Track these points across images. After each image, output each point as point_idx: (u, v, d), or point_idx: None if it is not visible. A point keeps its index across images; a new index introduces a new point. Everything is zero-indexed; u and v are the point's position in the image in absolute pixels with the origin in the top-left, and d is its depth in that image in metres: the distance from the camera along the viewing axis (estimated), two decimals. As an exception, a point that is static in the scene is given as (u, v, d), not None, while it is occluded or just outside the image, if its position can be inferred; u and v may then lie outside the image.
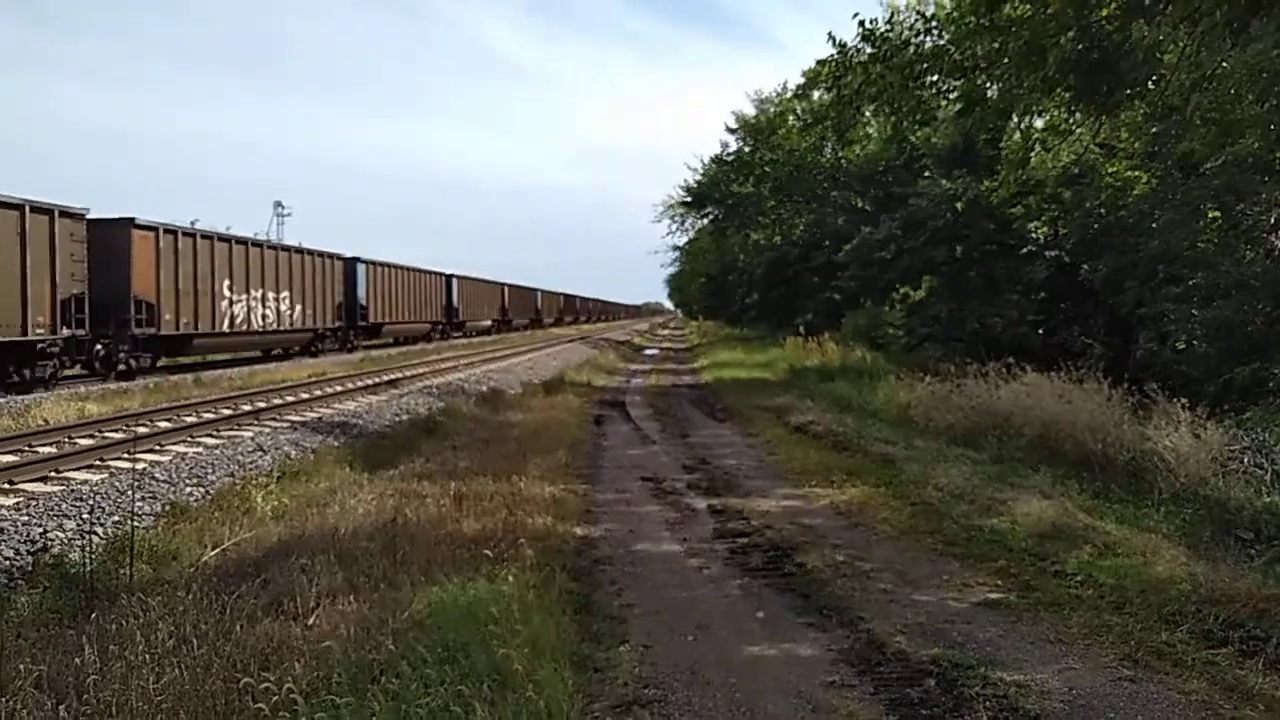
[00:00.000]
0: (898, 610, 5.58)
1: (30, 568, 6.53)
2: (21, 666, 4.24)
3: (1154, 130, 13.77)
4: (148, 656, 4.29)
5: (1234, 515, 7.31)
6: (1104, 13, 9.53)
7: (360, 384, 19.27)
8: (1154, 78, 11.01)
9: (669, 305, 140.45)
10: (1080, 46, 9.50)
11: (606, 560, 6.75)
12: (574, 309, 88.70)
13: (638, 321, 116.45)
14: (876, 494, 8.97)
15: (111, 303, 19.04)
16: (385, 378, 20.66)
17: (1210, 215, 13.72)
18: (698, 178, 34.65)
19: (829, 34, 12.47)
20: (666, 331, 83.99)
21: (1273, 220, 12.76)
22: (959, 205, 19.42)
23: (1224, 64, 10.13)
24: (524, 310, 64.10)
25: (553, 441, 12.03)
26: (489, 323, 53.46)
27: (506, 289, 58.93)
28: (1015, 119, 13.71)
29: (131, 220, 20.05)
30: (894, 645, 4.97)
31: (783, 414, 15.28)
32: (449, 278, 44.92)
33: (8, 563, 6.76)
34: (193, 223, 22.10)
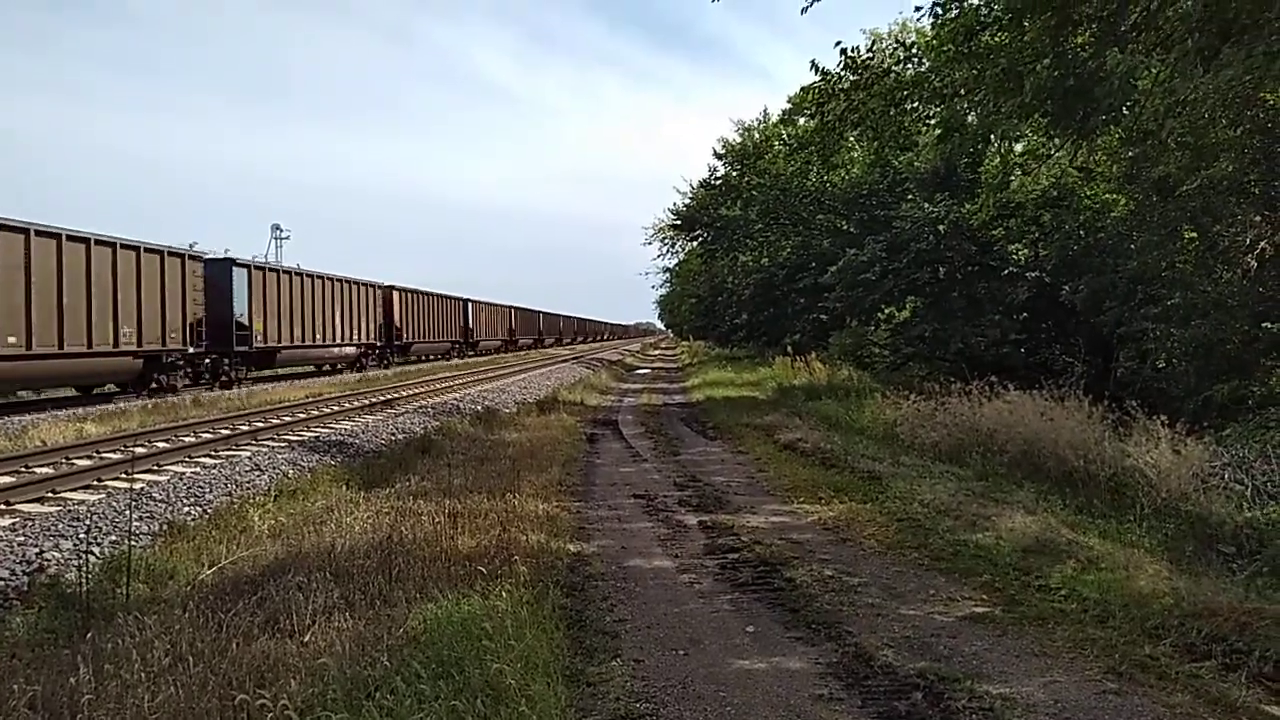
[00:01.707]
0: (885, 624, 5.66)
1: (26, 588, 6.54)
2: (15, 687, 4.21)
3: (1130, 154, 14.07)
4: (143, 675, 4.29)
5: (1215, 530, 7.44)
6: (1079, 40, 9.77)
7: (357, 404, 19.30)
8: (1129, 103, 11.26)
9: (660, 326, 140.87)
10: (1056, 73, 9.72)
11: (599, 576, 6.81)
12: (569, 330, 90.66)
13: (630, 342, 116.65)
14: (863, 510, 9.08)
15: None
16: (381, 398, 20.72)
17: (1187, 236, 14.00)
18: (687, 201, 34.97)
19: (812, 62, 12.71)
20: (658, 351, 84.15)
21: (1248, 241, 13.02)
22: (941, 228, 19.69)
23: (1197, 90, 10.39)
24: (529, 331, 68.73)
25: (546, 460, 12.11)
26: (499, 342, 57.06)
27: (514, 311, 63.51)
28: (994, 144, 13.96)
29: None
30: (881, 659, 5.05)
31: (772, 432, 15.39)
32: (465, 302, 48.95)
33: (3, 583, 6.75)
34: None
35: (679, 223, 35.36)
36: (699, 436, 16.41)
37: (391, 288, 37.64)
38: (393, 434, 15.44)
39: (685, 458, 13.51)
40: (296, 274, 28.82)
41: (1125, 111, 11.71)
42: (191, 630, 4.99)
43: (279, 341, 27.10)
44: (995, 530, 7.72)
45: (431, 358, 43.15)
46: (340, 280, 32.10)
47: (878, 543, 7.84)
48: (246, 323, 25.22)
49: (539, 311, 75.25)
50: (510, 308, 62.78)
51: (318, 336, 30.10)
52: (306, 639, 4.88)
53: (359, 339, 33.67)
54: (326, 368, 33.04)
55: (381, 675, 4.25)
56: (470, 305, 50.17)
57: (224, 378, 24.34)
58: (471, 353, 49.49)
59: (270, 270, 27.34)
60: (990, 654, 5.15)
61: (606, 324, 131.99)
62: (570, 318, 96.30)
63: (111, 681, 4.26)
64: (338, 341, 31.89)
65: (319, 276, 30.42)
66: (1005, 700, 4.47)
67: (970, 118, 12.26)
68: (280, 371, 29.63)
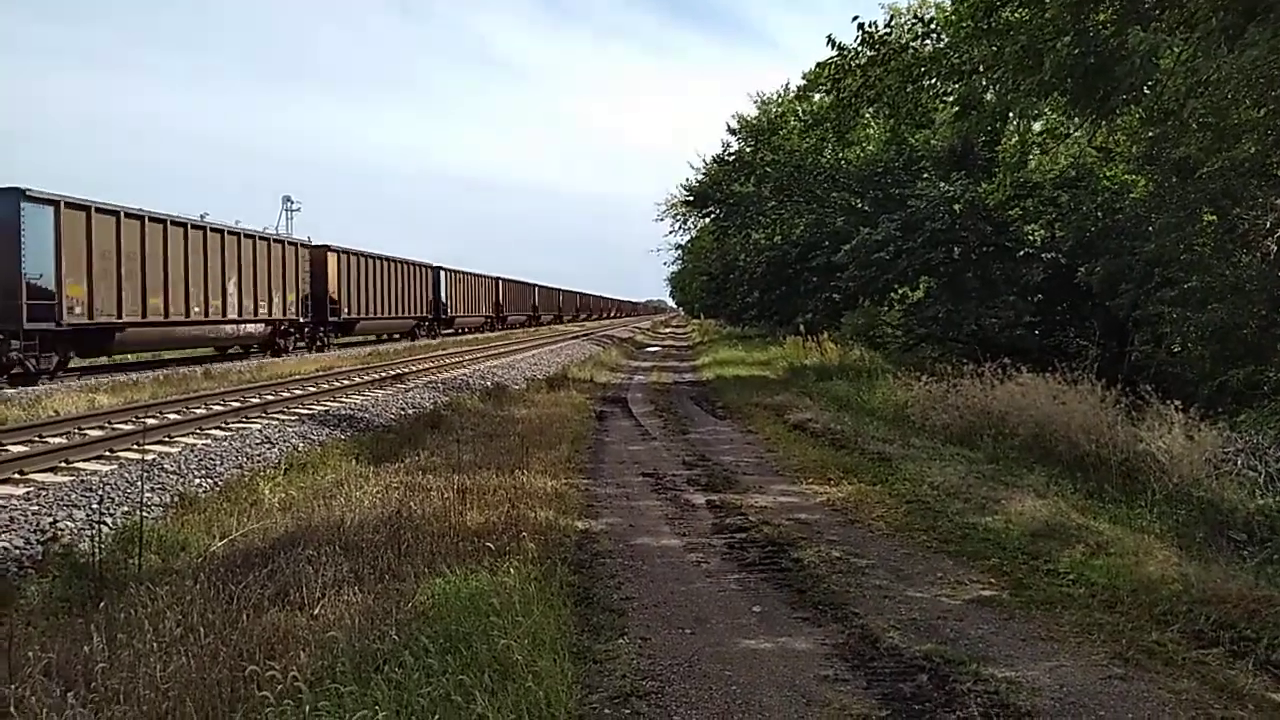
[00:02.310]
0: (892, 606, 5.67)
1: (40, 557, 6.62)
2: (31, 654, 4.27)
3: (1151, 134, 13.84)
4: (155, 645, 4.34)
5: (1227, 517, 7.39)
6: (1101, 18, 9.62)
7: (367, 378, 19.38)
8: (1150, 82, 11.08)
9: (671, 303, 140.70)
10: (1077, 51, 9.58)
11: (607, 554, 6.84)
12: (570, 306, 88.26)
13: (640, 319, 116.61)
14: (872, 491, 9.07)
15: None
16: (391, 372, 20.81)
17: (1206, 219, 13.81)
18: (699, 177, 34.73)
19: (828, 37, 12.58)
20: (668, 329, 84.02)
21: (1268, 224, 12.85)
22: (957, 207, 19.50)
23: (1220, 69, 10.20)
24: (521, 306, 61.64)
25: (555, 437, 12.14)
26: (481, 319, 50.50)
27: (501, 283, 55.71)
28: (1013, 122, 13.79)
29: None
30: (887, 640, 5.05)
31: (782, 412, 15.37)
32: (436, 270, 42.18)
33: (18, 552, 6.84)
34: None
35: (691, 199, 35.17)
36: (708, 415, 16.42)
37: (440, 268, 40.21)
38: (402, 409, 15.50)
39: (694, 436, 13.52)
40: (367, 256, 33.19)
41: (1146, 91, 11.53)
42: (203, 601, 5.03)
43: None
44: (1005, 514, 7.70)
45: (392, 336, 38.14)
46: (401, 261, 36.83)
47: (886, 524, 7.84)
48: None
49: (533, 285, 67.69)
50: (496, 279, 54.69)
51: (385, 309, 35.21)
52: (316, 612, 4.92)
53: (411, 311, 37.99)
54: (397, 336, 37.74)
55: (390, 649, 4.29)
56: (443, 274, 42.85)
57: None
58: (447, 331, 44.04)
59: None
60: (997, 637, 5.15)
61: (616, 301, 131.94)
62: (575, 293, 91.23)
63: (124, 650, 4.31)
64: (403, 315, 37.28)
65: (383, 258, 35.11)
66: (1011, 684, 4.47)
67: (988, 95, 12.12)
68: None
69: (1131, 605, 5.57)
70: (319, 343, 29.52)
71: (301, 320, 27.80)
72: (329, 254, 29.74)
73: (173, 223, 20.88)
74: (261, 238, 25.55)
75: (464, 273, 46.11)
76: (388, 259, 35.32)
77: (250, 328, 24.93)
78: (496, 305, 52.75)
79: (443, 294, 41.73)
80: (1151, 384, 10.93)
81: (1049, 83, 10.11)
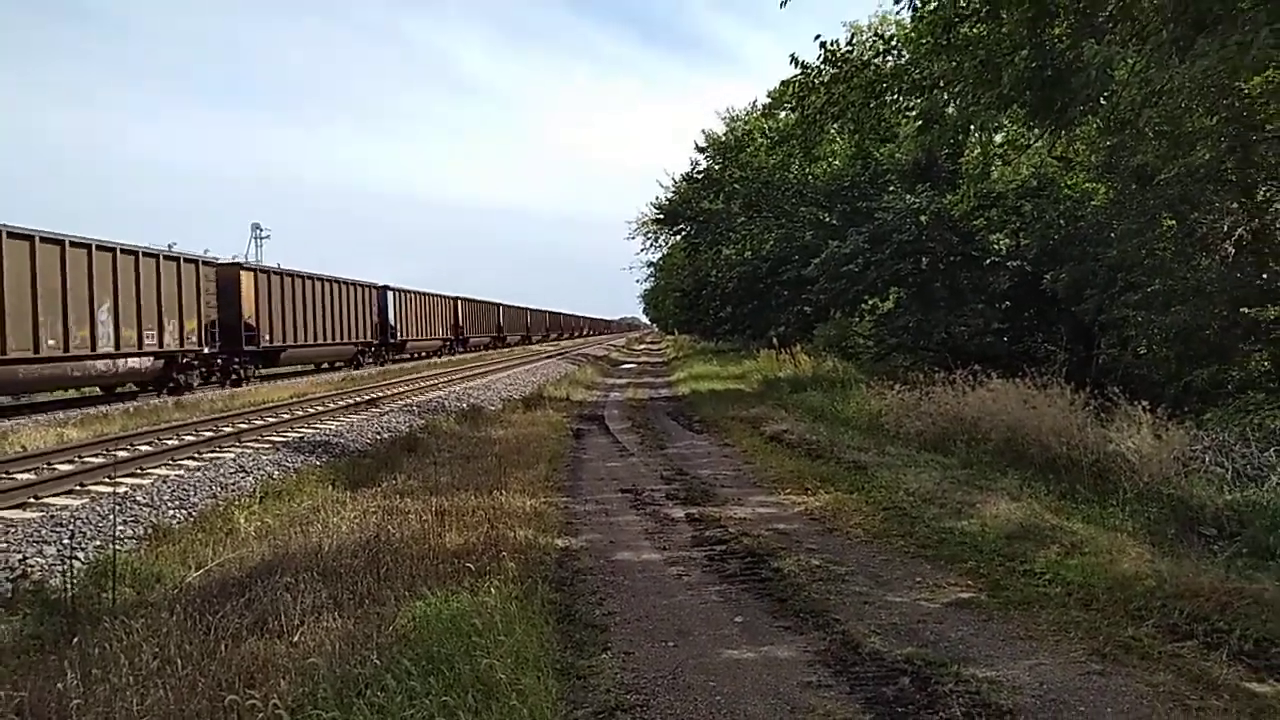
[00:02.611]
0: (872, 612, 5.71)
1: (9, 594, 6.48)
2: (2, 694, 4.19)
3: (1109, 144, 14.17)
4: (132, 679, 4.28)
5: (1196, 513, 7.51)
6: (1056, 31, 9.85)
7: (341, 403, 19.24)
8: (1106, 93, 11.34)
9: (645, 320, 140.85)
10: (1034, 64, 9.80)
11: (587, 570, 6.83)
12: (539, 326, 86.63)
13: (615, 336, 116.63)
14: (849, 500, 9.13)
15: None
16: (365, 397, 20.66)
17: (1166, 224, 14.13)
18: (669, 195, 35.00)
19: (792, 55, 12.79)
20: (643, 346, 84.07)
21: (1225, 228, 13.17)
22: (923, 219, 19.79)
23: (1173, 79, 10.48)
24: (482, 328, 58.24)
25: (533, 456, 12.10)
26: (438, 343, 46.78)
27: (461, 304, 51.58)
28: (974, 135, 14.05)
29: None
30: (869, 645, 5.09)
31: (758, 424, 15.44)
32: (384, 291, 38.45)
33: (-14, 590, 6.70)
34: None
35: (662, 216, 35.41)
36: (685, 430, 16.45)
37: (239, 266, 27.55)
38: (378, 433, 15.40)
39: (672, 451, 13.54)
40: (297, 276, 29.73)
41: (1103, 101, 11.80)
42: (179, 633, 4.96)
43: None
44: (980, 517, 7.78)
45: (333, 365, 34.19)
46: (339, 281, 33.30)
47: (864, 531, 7.90)
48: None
49: (497, 304, 63.93)
50: (455, 299, 50.22)
51: (324, 335, 31.58)
52: (295, 639, 4.87)
53: (357, 337, 35.09)
54: (339, 365, 34.36)
55: (372, 673, 4.25)
56: (390, 294, 38.90)
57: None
58: (400, 356, 40.03)
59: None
60: (976, 638, 5.21)
61: (590, 319, 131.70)
62: (545, 312, 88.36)
63: (100, 685, 4.24)
64: (340, 341, 33.31)
65: (335, 281, 32.75)
66: (991, 683, 4.52)
67: (950, 109, 12.33)
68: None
69: (1107, 602, 5.65)
70: (233, 376, 25.48)
71: (207, 351, 23.42)
72: (242, 273, 25.89)
73: (9, 235, 16.29)
74: (148, 254, 20.84)
75: (416, 292, 42.45)
76: (320, 278, 31.12)
77: (134, 362, 20.38)
78: (455, 327, 48.99)
79: (390, 316, 38.16)
80: (1119, 386, 11.12)
81: (1008, 95, 10.32)
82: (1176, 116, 11.55)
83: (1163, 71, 9.77)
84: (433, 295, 45.65)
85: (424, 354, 43.33)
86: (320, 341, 31.14)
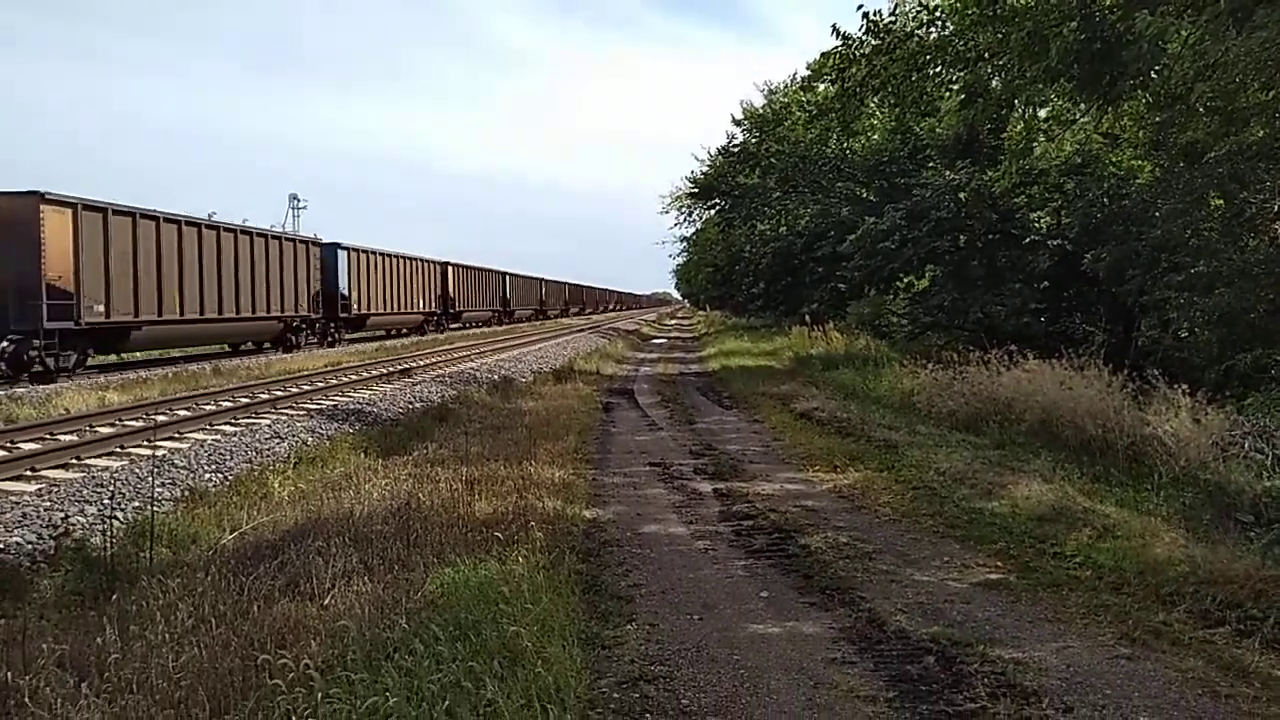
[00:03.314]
0: (898, 590, 5.69)
1: (52, 551, 6.67)
2: (45, 646, 4.30)
3: (1158, 120, 13.76)
4: (167, 636, 4.38)
5: (1234, 499, 7.38)
6: (1107, 2, 9.57)
7: (375, 373, 19.45)
8: (1158, 67, 11.02)
9: (677, 295, 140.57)
10: (1083, 36, 9.53)
11: (614, 542, 6.87)
12: (582, 299, 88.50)
13: (646, 311, 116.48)
14: (879, 478, 9.08)
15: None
16: (399, 366, 20.87)
17: (1213, 204, 13.74)
18: (704, 169, 34.70)
19: (833, 26, 12.54)
20: (674, 321, 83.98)
21: (1276, 208, 12.77)
22: (962, 195, 19.43)
23: (1228, 52, 10.13)
24: (528, 301, 62.49)
25: (562, 428, 12.18)
26: (489, 313, 51.55)
27: (508, 278, 56.44)
28: (1018, 109, 13.70)
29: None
30: (894, 624, 5.08)
31: (788, 401, 15.38)
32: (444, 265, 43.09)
33: (31, 547, 6.91)
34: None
35: (696, 191, 35.13)
36: (715, 405, 16.43)
37: (447, 264, 41.79)
38: (410, 402, 15.56)
39: (701, 426, 13.54)
40: (379, 254, 34.04)
41: (1153, 75, 11.46)
42: (214, 593, 5.07)
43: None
44: (1011, 498, 7.71)
45: (401, 332, 38.16)
46: (411, 258, 38.01)
47: (893, 510, 7.86)
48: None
49: (540, 279, 66.95)
50: (503, 274, 54.36)
51: (399, 305, 36.25)
52: (326, 602, 4.96)
53: (423, 307, 39.57)
54: (405, 331, 38.45)
55: (400, 637, 4.31)
56: (450, 270, 42.99)
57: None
58: (455, 325, 43.70)
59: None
60: (1004, 620, 5.17)
61: (622, 294, 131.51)
62: (581, 286, 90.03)
63: (137, 642, 4.35)
64: (411, 310, 38.06)
65: (406, 257, 37.24)
66: (1018, 664, 4.49)
67: (994, 82, 12.06)
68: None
69: (1138, 586, 5.59)
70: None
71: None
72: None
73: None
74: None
75: (471, 268, 47.06)
76: (396, 255, 35.92)
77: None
78: (503, 299, 53.58)
79: (450, 289, 42.77)
80: (1158, 369, 10.88)
81: (1055, 69, 10.06)
82: (1230, 91, 11.16)
83: (1218, 44, 9.47)
84: (485, 270, 50.08)
85: (476, 323, 47.36)
86: (396, 310, 36.17)
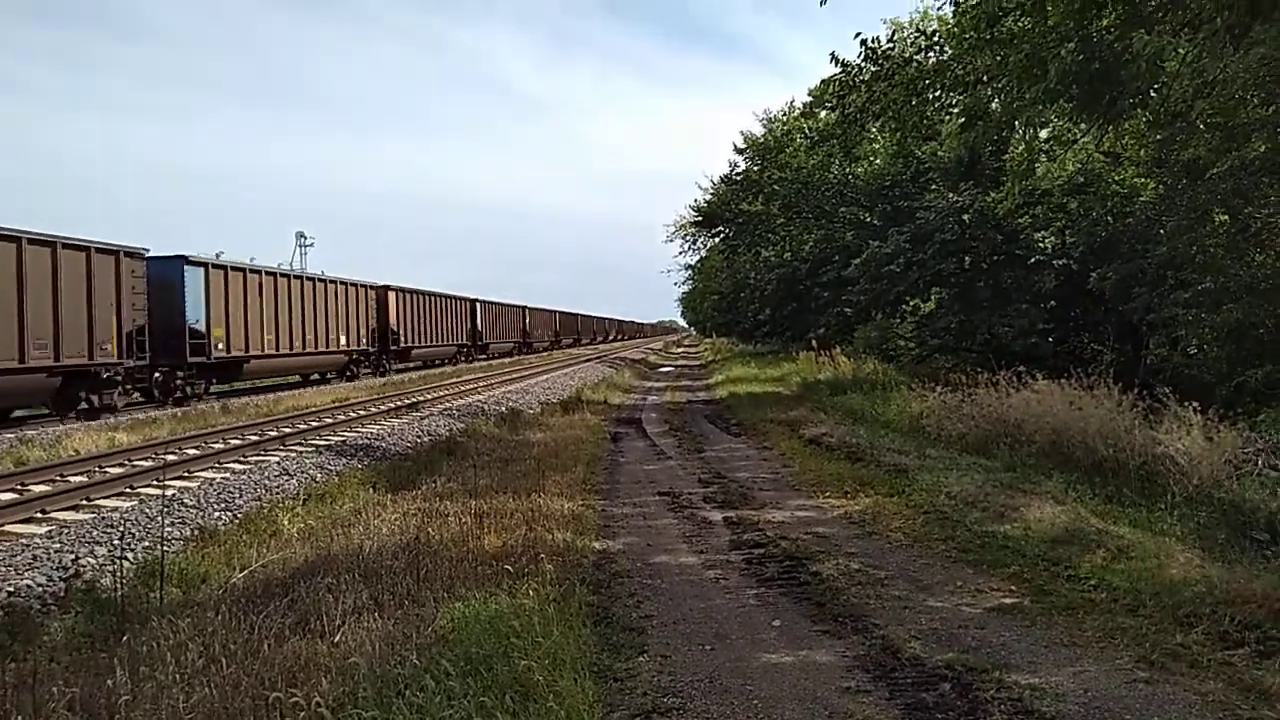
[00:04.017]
0: (912, 616, 5.64)
1: (62, 593, 6.68)
2: (55, 689, 4.29)
3: (1158, 137, 13.83)
4: (178, 676, 4.37)
5: (1249, 517, 7.29)
6: (1104, 23, 9.63)
7: (382, 408, 19.49)
8: (1157, 85, 11.08)
9: (682, 323, 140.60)
10: (1081, 57, 9.58)
11: (625, 573, 6.83)
12: (592, 329, 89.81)
13: (652, 340, 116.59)
14: (890, 503, 9.03)
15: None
16: (407, 400, 20.92)
17: (1218, 219, 13.75)
18: (708, 197, 34.86)
19: (832, 54, 12.61)
20: (681, 349, 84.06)
21: (1280, 223, 12.78)
22: (966, 217, 19.49)
23: (1227, 69, 10.19)
24: (545, 332, 67.00)
25: (571, 459, 12.16)
26: (511, 344, 55.32)
27: (526, 311, 60.61)
28: (1019, 131, 13.76)
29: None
30: (909, 651, 5.03)
31: (796, 427, 15.34)
32: (473, 302, 47.14)
33: (40, 589, 6.91)
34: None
35: (700, 219, 35.27)
36: (723, 433, 16.39)
37: (477, 300, 46.26)
38: (418, 436, 15.57)
39: (709, 454, 13.50)
40: (422, 294, 37.27)
41: (1153, 94, 11.52)
42: (224, 632, 5.07)
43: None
44: (1023, 521, 7.65)
45: (439, 362, 41.34)
46: (440, 295, 40.43)
47: (904, 535, 7.81)
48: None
49: (554, 311, 69.80)
50: (523, 308, 57.78)
51: (437, 338, 39.33)
52: (337, 639, 4.94)
53: (456, 339, 42.44)
54: (441, 361, 41.00)
55: (411, 673, 4.30)
56: (479, 306, 46.72)
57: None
58: (481, 356, 46.84)
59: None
60: (1019, 644, 5.12)
61: (628, 323, 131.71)
62: (590, 317, 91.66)
63: (147, 683, 4.33)
64: (442, 343, 40.37)
65: (439, 295, 39.94)
66: (1034, 690, 4.44)
67: (994, 105, 12.11)
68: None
69: (1154, 608, 5.52)
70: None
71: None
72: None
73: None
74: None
75: (496, 303, 51.59)
76: (435, 294, 39.97)
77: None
78: (523, 331, 57.45)
79: (478, 323, 46.44)
80: (1168, 386, 10.82)
81: (1054, 90, 10.10)
82: (1230, 107, 11.23)
83: (1216, 61, 9.53)
84: (508, 305, 54.45)
85: (500, 354, 51.14)
86: (435, 343, 39.53)
